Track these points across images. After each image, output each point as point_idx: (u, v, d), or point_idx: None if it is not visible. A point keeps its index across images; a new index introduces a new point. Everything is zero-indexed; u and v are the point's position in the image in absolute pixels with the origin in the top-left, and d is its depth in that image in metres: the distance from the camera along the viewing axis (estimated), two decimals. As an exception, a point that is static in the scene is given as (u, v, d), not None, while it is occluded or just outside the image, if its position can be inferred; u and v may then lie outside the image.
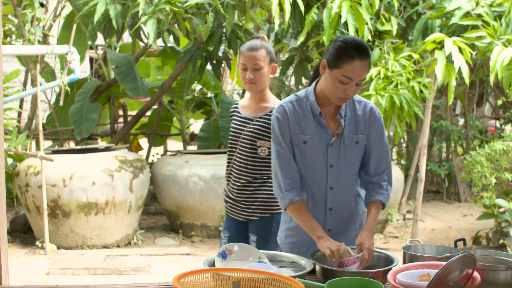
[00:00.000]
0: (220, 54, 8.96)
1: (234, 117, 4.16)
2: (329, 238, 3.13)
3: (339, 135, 3.25)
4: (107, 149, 8.80)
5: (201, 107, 11.47)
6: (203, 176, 8.30)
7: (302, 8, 6.65)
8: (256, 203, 4.05)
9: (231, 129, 4.15)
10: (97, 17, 7.40)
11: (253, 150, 4.02)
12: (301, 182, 3.30)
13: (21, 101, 11.46)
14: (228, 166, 4.19)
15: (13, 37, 10.54)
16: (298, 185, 3.28)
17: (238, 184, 4.09)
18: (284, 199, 3.27)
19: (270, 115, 3.82)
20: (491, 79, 6.46)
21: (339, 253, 3.01)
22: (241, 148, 4.06)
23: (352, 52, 3.06)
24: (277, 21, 6.50)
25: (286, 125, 3.27)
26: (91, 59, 16.42)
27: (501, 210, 7.88)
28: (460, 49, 6.36)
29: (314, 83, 3.33)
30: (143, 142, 12.33)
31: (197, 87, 12.13)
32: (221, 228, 8.30)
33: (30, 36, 8.75)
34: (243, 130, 4.06)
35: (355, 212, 3.38)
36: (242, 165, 4.07)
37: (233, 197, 4.14)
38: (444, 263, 2.66)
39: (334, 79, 3.11)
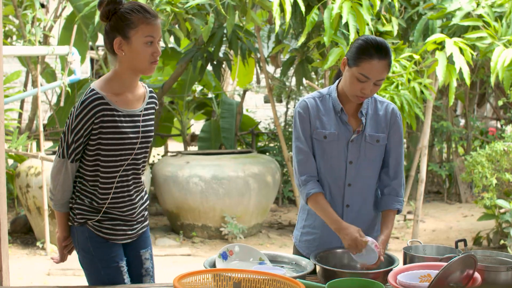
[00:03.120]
0: (220, 55, 8.97)
1: (109, 118, 3.02)
2: (348, 225, 3.14)
3: (360, 132, 3.26)
4: (107, 149, 8.78)
5: (202, 107, 11.49)
6: (203, 177, 8.30)
7: (303, 8, 6.64)
8: (146, 213, 3.38)
9: (121, 135, 3.07)
10: (97, 17, 7.40)
11: (147, 154, 3.26)
12: (320, 177, 3.30)
13: (22, 102, 11.48)
14: (125, 182, 3.17)
15: (14, 37, 10.56)
16: (314, 178, 3.28)
17: (141, 200, 3.29)
18: (303, 193, 3.28)
19: (151, 102, 3.25)
20: (492, 79, 6.46)
21: (358, 242, 3.06)
22: (139, 154, 3.18)
23: (371, 51, 3.08)
24: (278, 22, 6.50)
25: (307, 120, 3.28)
26: (91, 60, 16.45)
27: (502, 210, 7.88)
28: (461, 50, 6.36)
29: (337, 81, 3.36)
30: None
31: (197, 87, 12.15)
32: (222, 229, 8.30)
33: (30, 36, 8.75)
34: (138, 132, 3.13)
35: (373, 211, 3.37)
36: (140, 175, 3.26)
37: (133, 218, 3.24)
38: (445, 263, 2.66)
39: (352, 76, 3.13)
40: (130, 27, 2.96)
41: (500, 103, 11.24)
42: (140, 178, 3.26)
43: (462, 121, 12.54)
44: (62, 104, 9.10)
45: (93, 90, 3.02)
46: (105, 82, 3.07)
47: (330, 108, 3.29)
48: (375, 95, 3.35)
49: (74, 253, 3.32)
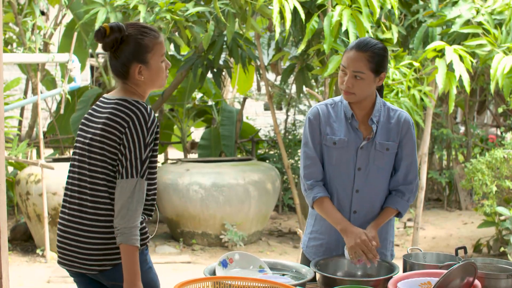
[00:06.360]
0: (220, 62, 8.98)
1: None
2: (353, 229, 3.17)
3: (370, 140, 3.28)
4: (108, 157, 8.77)
5: (202, 115, 11.49)
6: (203, 184, 8.30)
7: (302, 16, 6.66)
8: None
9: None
10: (97, 25, 7.41)
11: None
12: (328, 183, 3.33)
13: (22, 109, 11.48)
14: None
15: (14, 45, 10.57)
16: (321, 183, 3.31)
17: None
18: (308, 197, 3.32)
19: None
20: (492, 87, 6.47)
21: (362, 247, 3.12)
22: None
23: (353, 44, 3.22)
24: (277, 30, 6.50)
25: (317, 127, 3.32)
26: (92, 67, 16.45)
27: (502, 218, 7.88)
28: (460, 57, 6.36)
29: None
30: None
31: (197, 95, 12.16)
32: (222, 236, 8.30)
33: (31, 44, 8.76)
34: None
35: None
36: None
37: None
38: (445, 271, 2.66)
39: (339, 72, 3.25)
40: (147, 52, 2.92)
41: (500, 110, 11.22)
42: None
43: (462, 128, 12.55)
44: (62, 111, 9.12)
45: (143, 103, 2.95)
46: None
47: (341, 115, 3.32)
48: (387, 103, 3.36)
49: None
